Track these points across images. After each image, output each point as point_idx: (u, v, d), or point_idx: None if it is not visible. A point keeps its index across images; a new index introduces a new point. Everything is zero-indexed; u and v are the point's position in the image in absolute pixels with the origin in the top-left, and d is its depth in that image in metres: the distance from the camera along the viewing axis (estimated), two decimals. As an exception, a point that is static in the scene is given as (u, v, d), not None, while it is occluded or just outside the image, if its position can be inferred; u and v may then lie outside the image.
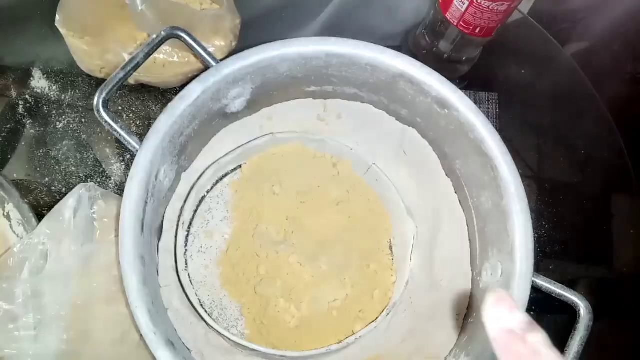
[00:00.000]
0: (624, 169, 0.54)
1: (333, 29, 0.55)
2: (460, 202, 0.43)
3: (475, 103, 0.49)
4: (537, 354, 0.19)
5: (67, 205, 0.38)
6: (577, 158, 0.55)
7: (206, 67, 0.37)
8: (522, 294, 0.35)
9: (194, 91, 0.35)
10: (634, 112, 0.75)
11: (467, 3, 0.40)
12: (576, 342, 0.34)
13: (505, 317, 0.20)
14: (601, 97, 0.57)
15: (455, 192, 0.44)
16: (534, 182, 0.53)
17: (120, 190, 0.45)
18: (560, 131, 0.56)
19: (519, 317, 0.20)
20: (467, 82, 0.53)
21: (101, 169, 0.46)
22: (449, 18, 0.43)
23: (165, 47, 0.43)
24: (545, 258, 0.49)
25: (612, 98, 0.76)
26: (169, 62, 0.43)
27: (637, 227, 0.52)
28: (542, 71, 0.57)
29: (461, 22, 0.43)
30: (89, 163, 0.46)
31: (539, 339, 0.20)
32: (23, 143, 0.46)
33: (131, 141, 0.34)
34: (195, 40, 0.37)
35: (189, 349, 0.35)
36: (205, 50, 0.37)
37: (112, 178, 0.46)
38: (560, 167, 0.55)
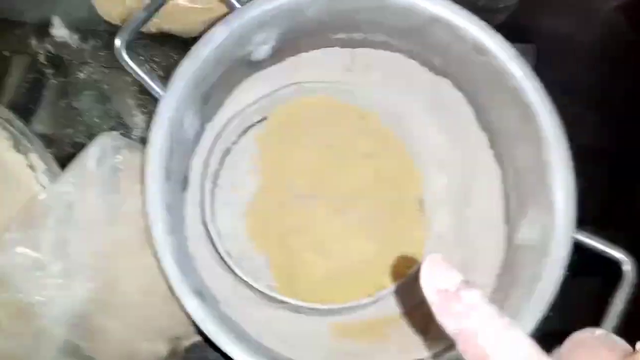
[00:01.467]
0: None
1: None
2: (494, 156, 0.41)
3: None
4: (473, 309, 0.19)
5: (91, 154, 0.37)
6: (613, 120, 0.52)
7: (230, 11, 0.36)
8: (562, 249, 0.33)
9: (218, 34, 0.34)
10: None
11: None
12: (620, 300, 0.33)
13: (440, 278, 0.21)
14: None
15: (490, 147, 0.42)
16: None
17: (143, 142, 0.44)
18: (600, 89, 0.53)
19: (454, 277, 0.20)
20: (504, 33, 0.50)
21: (124, 121, 0.45)
22: (488, -42, 0.41)
23: (187, -8, 0.41)
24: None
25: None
26: (191, 8, 0.42)
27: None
28: (584, 22, 0.54)
29: (502, -38, 0.40)
30: (112, 114, 0.45)
31: (475, 295, 0.20)
32: (45, 94, 0.45)
33: (155, 87, 0.33)
34: (219, -20, 0.35)
35: (217, 300, 0.35)
36: (231, -10, 0.35)
37: (135, 130, 0.45)
38: (596, 128, 0.52)
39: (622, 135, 0.52)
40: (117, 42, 0.32)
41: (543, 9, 0.52)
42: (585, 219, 0.47)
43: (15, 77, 0.46)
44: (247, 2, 0.36)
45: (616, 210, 0.50)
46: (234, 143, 0.41)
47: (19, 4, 0.47)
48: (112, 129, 0.44)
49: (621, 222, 0.49)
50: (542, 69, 0.50)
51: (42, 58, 0.46)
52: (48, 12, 0.46)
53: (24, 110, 0.44)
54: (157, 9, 0.33)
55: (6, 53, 0.46)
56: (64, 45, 0.46)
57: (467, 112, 0.42)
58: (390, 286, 0.37)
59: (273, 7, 0.35)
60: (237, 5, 0.35)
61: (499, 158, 0.41)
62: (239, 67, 0.39)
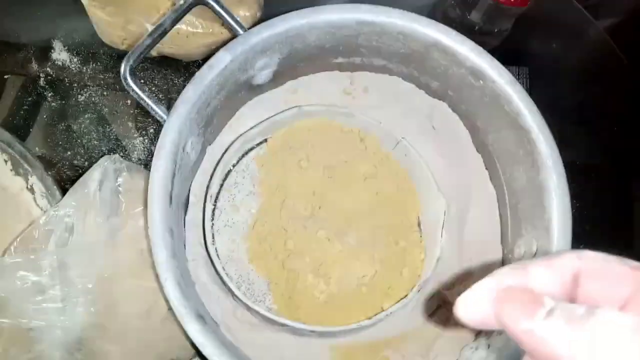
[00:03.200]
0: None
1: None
2: (490, 178, 0.42)
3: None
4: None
5: (93, 177, 0.37)
6: (601, 139, 0.53)
7: (232, 37, 0.36)
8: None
9: (222, 60, 0.34)
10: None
11: (503, -31, 0.39)
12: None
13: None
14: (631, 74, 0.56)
15: (486, 168, 0.42)
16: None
17: (142, 164, 0.45)
18: (589, 108, 0.54)
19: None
20: (497, 56, 0.51)
21: (123, 144, 0.45)
22: (483, -14, 0.42)
23: (189, 17, 0.42)
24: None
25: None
26: (192, 33, 0.42)
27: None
28: (574, 45, 0.55)
29: (496, -10, 0.41)
30: (111, 137, 0.45)
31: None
32: (45, 116, 0.45)
33: (159, 111, 0.33)
34: (222, 7, 0.35)
35: (217, 323, 0.34)
36: (232, 17, 0.35)
37: (134, 153, 0.45)
38: (585, 147, 0.53)
39: (611, 152, 0.54)
40: (122, 68, 0.32)
41: (535, 33, 0.53)
42: (579, 237, 0.48)
43: (12, 98, 0.46)
44: (249, 28, 0.37)
45: (606, 225, 0.51)
46: (235, 165, 0.42)
47: (21, 27, 0.47)
48: (111, 151, 0.45)
49: (611, 238, 0.49)
50: (535, 90, 0.51)
51: (42, 81, 0.46)
52: (49, 35, 0.47)
53: (23, 133, 0.45)
54: (161, 37, 0.33)
55: (5, 75, 0.46)
56: (64, 68, 0.46)
57: (464, 135, 0.43)
58: (390, 308, 0.37)
59: (275, 34, 0.36)
60: (240, 31, 0.35)
61: (495, 179, 0.42)
62: (241, 91, 0.39)
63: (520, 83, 0.51)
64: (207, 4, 0.35)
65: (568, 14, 0.55)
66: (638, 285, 0.16)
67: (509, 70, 0.51)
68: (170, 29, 0.34)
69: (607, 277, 0.16)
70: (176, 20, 0.34)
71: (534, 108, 0.36)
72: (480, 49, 0.37)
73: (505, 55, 0.52)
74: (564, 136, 0.54)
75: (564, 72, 0.54)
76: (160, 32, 0.33)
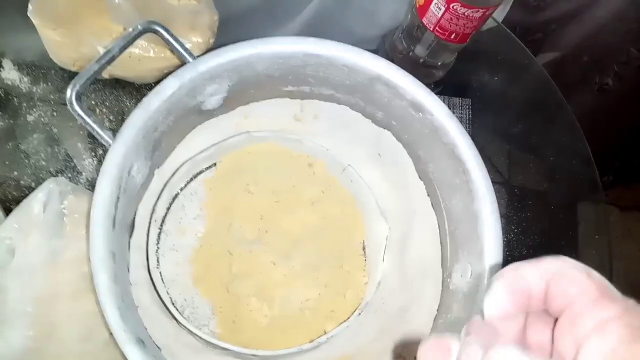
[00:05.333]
0: (590, 178, 0.55)
1: (312, 30, 0.56)
2: (432, 205, 0.44)
3: (449, 108, 0.50)
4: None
5: (37, 199, 0.37)
6: (546, 165, 0.57)
7: (182, 63, 0.37)
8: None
9: (169, 86, 0.35)
10: (601, 121, 0.77)
11: (443, 9, 0.41)
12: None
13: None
14: (570, 106, 0.59)
15: (428, 195, 0.44)
16: (504, 187, 0.55)
17: (91, 186, 0.44)
18: (530, 139, 0.57)
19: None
20: (442, 87, 0.54)
21: (72, 164, 0.45)
22: (425, 23, 0.44)
23: (141, 41, 0.42)
24: (513, 262, 0.50)
25: (581, 107, 0.78)
26: (144, 57, 0.43)
27: (602, 233, 0.54)
28: (515, 79, 0.58)
29: (437, 28, 0.43)
30: (60, 158, 0.45)
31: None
32: (-10, 135, 0.45)
33: (104, 136, 0.34)
34: (172, 36, 0.36)
35: (159, 347, 0.35)
36: (182, 45, 0.36)
37: (84, 173, 0.45)
38: (530, 173, 0.56)
39: (554, 178, 0.57)
40: (68, 92, 0.32)
41: (477, 67, 0.56)
42: (521, 256, 0.51)
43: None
44: (202, 54, 0.37)
45: (547, 246, 0.53)
46: (182, 188, 0.42)
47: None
48: (59, 172, 0.44)
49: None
50: (479, 119, 0.54)
51: (-11, 99, 0.45)
52: (-1, 53, 0.47)
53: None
54: (109, 63, 0.34)
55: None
56: (13, 87, 0.46)
57: (407, 162, 0.45)
58: (333, 331, 0.38)
59: (224, 62, 0.37)
60: (189, 59, 0.36)
61: (436, 206, 0.44)
62: (190, 115, 0.40)
63: (462, 113, 0.54)
64: (156, 32, 0.36)
65: (510, 49, 0.59)
66: (582, 289, 0.18)
67: (452, 101, 0.54)
68: (119, 55, 0.34)
69: (569, 280, 0.19)
70: (125, 47, 0.34)
71: (469, 140, 0.38)
72: (420, 83, 0.39)
73: (450, 86, 0.55)
74: (512, 162, 0.58)
75: (506, 103, 0.57)
76: (109, 58, 0.34)
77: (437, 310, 0.41)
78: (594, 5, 0.74)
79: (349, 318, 0.39)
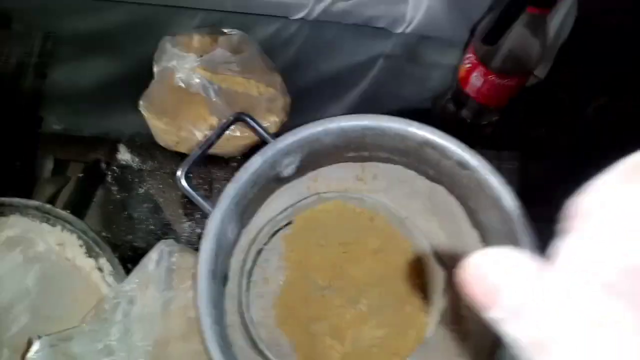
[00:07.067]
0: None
1: (369, 98, 0.64)
2: (485, 251, 0.49)
3: (498, 160, 0.56)
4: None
5: (151, 258, 0.46)
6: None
7: (263, 141, 0.46)
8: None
9: (255, 163, 0.43)
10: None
11: (482, 80, 0.48)
12: None
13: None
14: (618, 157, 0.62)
15: (481, 242, 0.49)
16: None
17: (189, 245, 0.53)
18: (580, 183, 0.60)
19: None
20: (490, 142, 0.59)
21: (173, 228, 0.54)
22: (467, 91, 0.50)
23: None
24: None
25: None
26: (232, 137, 0.52)
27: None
28: (560, 131, 0.62)
29: (478, 95, 0.50)
30: (164, 222, 0.54)
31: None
32: (111, 207, 0.55)
33: (206, 205, 0.42)
34: (255, 121, 0.45)
35: (251, 380, 0.41)
36: (264, 129, 0.45)
37: (184, 235, 0.54)
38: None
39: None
40: (178, 172, 0.42)
41: (525, 120, 0.61)
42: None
43: (77, 188, 0.56)
44: (277, 132, 0.46)
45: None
46: (265, 244, 0.50)
47: (95, 131, 0.58)
48: (164, 234, 0.54)
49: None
50: (526, 171, 0.59)
51: (109, 178, 0.56)
52: (116, 138, 0.58)
53: (95, 220, 0.54)
54: (209, 148, 0.43)
55: (79, 174, 0.57)
56: (127, 166, 0.57)
57: (460, 213, 0.50)
58: (399, 366, 0.43)
59: (297, 139, 0.45)
60: (270, 139, 0.45)
61: (489, 252, 0.48)
62: (270, 183, 0.48)
63: (511, 165, 0.59)
64: (244, 120, 0.45)
65: (552, 102, 0.63)
66: None
67: (500, 154, 0.59)
68: (217, 141, 0.43)
69: None
70: (220, 134, 0.43)
71: (511, 193, 0.43)
72: (463, 145, 0.45)
73: (497, 141, 0.60)
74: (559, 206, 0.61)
75: (552, 153, 0.61)
76: (209, 144, 0.43)
77: (491, 345, 0.45)
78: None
79: (412, 354, 0.44)
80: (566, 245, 0.14)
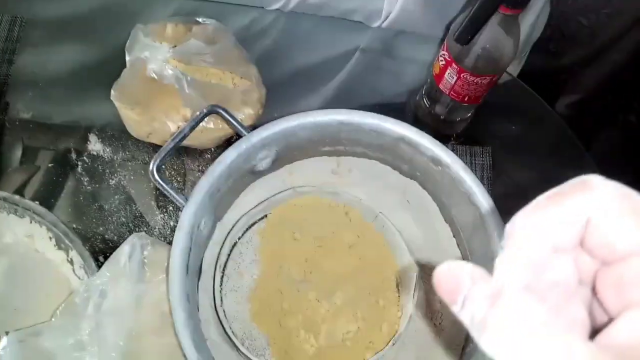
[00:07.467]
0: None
1: (346, 92, 0.63)
2: (457, 245, 0.50)
3: (470, 156, 0.57)
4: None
5: (123, 251, 0.45)
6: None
7: (237, 134, 0.45)
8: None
9: (229, 156, 0.43)
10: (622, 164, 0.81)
11: (455, 77, 0.48)
12: None
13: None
14: (597, 145, 0.63)
15: (453, 236, 0.50)
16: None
17: (162, 237, 0.53)
18: (548, 184, 0.62)
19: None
20: (463, 138, 0.60)
21: (146, 220, 0.54)
22: (441, 88, 0.51)
23: (203, 117, 0.51)
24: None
25: (606, 145, 0.82)
26: (206, 129, 0.51)
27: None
28: (532, 127, 0.64)
29: (452, 92, 0.50)
30: (136, 215, 0.54)
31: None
32: (81, 198, 0.54)
33: (179, 198, 0.42)
34: (229, 114, 0.45)
35: (225, 374, 0.41)
36: (238, 122, 0.44)
37: (156, 228, 0.53)
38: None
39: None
40: (151, 165, 0.41)
41: (497, 117, 0.62)
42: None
43: (47, 179, 0.55)
44: (252, 124, 0.45)
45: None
46: (240, 238, 0.50)
47: (64, 119, 0.57)
48: (136, 227, 0.53)
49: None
50: (497, 165, 0.60)
51: (79, 168, 0.55)
52: (87, 128, 0.56)
53: (64, 212, 0.53)
54: (182, 140, 0.42)
55: (50, 163, 0.55)
56: (98, 157, 0.55)
57: (433, 208, 0.51)
58: (372, 359, 0.44)
59: (272, 133, 0.45)
60: (244, 132, 0.44)
61: (461, 246, 0.49)
62: (245, 176, 0.48)
63: (483, 160, 0.60)
64: (218, 113, 0.44)
65: (525, 99, 0.64)
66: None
67: (474, 149, 0.60)
68: (190, 133, 0.43)
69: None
70: (194, 127, 0.43)
71: (482, 188, 0.44)
72: (437, 141, 0.45)
73: (471, 136, 0.61)
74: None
75: (525, 149, 0.62)
76: (181, 137, 0.42)
77: (465, 340, 0.46)
78: (611, 49, 0.79)
79: (384, 348, 0.45)
80: (499, 260, 0.17)
